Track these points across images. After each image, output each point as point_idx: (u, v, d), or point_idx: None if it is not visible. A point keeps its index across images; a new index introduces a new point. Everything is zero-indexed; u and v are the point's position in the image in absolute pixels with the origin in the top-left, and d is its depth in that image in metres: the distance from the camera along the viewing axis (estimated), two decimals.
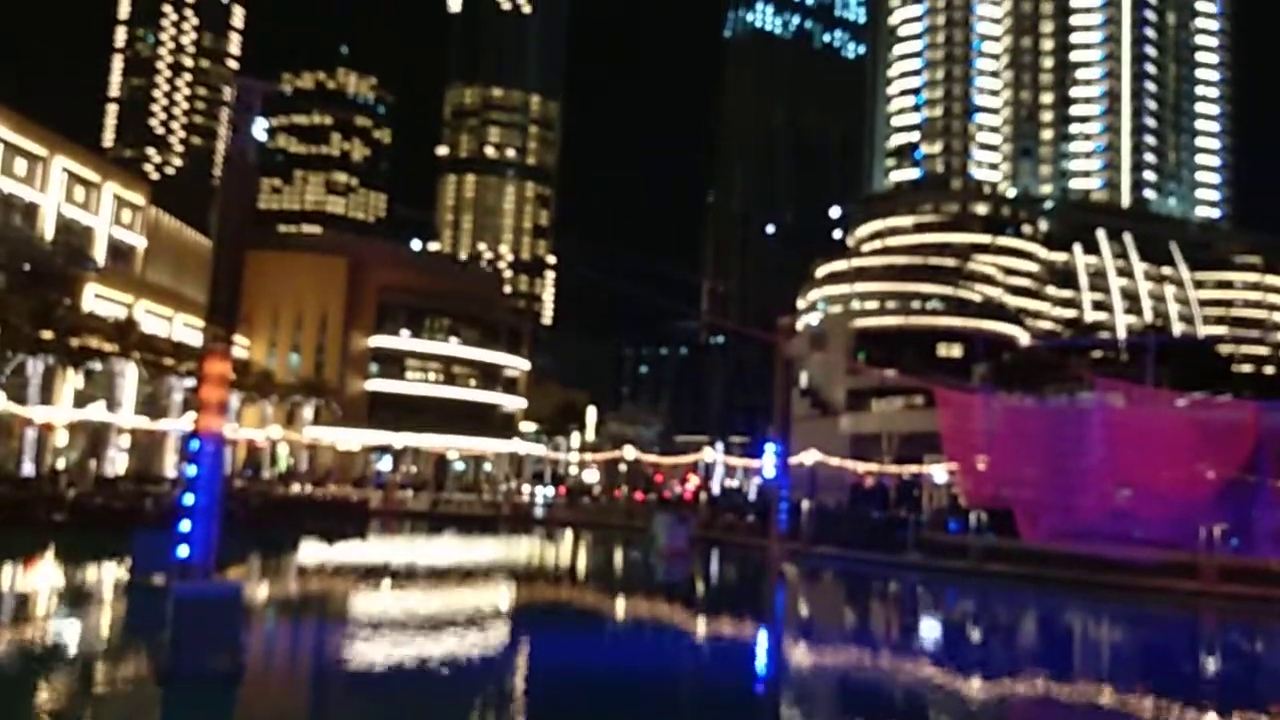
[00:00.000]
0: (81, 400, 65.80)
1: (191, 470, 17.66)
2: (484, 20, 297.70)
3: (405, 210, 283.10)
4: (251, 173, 28.09)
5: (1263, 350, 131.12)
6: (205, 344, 19.54)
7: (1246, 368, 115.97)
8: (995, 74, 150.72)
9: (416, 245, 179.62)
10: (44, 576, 34.67)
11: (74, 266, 70.49)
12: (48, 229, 70.35)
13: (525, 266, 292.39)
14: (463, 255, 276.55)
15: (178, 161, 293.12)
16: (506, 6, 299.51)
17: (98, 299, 70.70)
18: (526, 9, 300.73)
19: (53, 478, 55.99)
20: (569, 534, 67.81)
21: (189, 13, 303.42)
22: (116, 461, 68.31)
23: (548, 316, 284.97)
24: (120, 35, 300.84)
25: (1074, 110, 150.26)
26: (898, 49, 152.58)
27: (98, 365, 63.98)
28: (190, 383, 64.71)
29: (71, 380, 64.92)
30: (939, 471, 71.43)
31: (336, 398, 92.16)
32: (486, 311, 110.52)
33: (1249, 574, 38.56)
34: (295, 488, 75.28)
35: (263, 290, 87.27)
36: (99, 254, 75.32)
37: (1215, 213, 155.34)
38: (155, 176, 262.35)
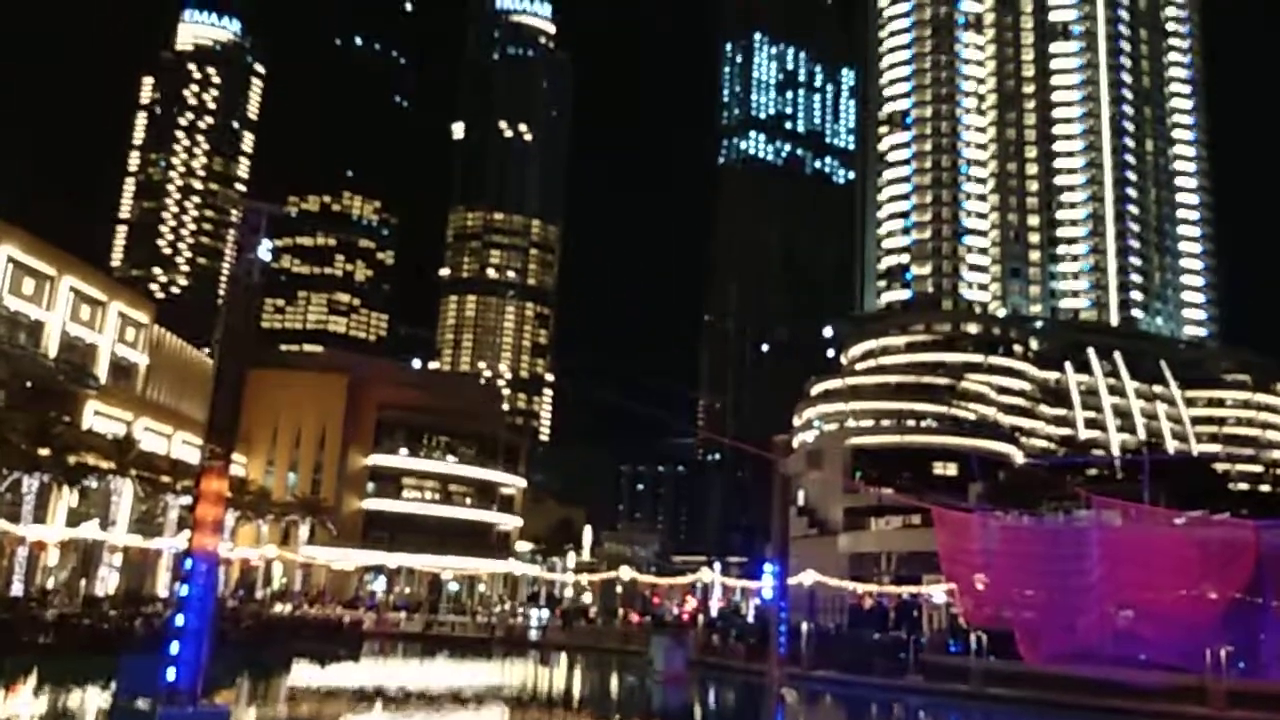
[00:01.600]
0: (75, 518, 65.45)
1: (184, 590, 17.81)
2: (487, 146, 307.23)
3: (406, 329, 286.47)
4: (255, 292, 28.99)
5: (1257, 468, 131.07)
6: (203, 461, 19.94)
7: (1243, 486, 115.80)
8: (983, 197, 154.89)
9: (417, 364, 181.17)
10: (24, 704, 33.92)
11: (76, 384, 71.09)
12: (52, 346, 71.19)
13: (524, 385, 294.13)
14: (463, 373, 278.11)
15: (183, 281, 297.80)
16: (509, 134, 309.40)
17: (97, 416, 71.09)
18: (528, 136, 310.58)
19: (41, 598, 55.25)
20: (564, 658, 66.57)
21: (201, 138, 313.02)
22: (108, 580, 67.50)
23: (546, 434, 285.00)
24: (134, 160, 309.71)
25: (1060, 232, 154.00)
26: (887, 174, 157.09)
27: (93, 483, 63.88)
28: (186, 500, 64.53)
29: (66, 498, 64.72)
30: (938, 592, 70.60)
31: (332, 516, 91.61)
32: (484, 428, 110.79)
33: (1259, 698, 37.93)
34: (288, 608, 74.17)
35: (262, 408, 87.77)
36: (101, 371, 76.01)
37: (1202, 331, 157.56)
38: (160, 296, 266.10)
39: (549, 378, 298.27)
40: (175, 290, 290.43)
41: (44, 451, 58.59)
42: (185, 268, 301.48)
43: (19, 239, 68.28)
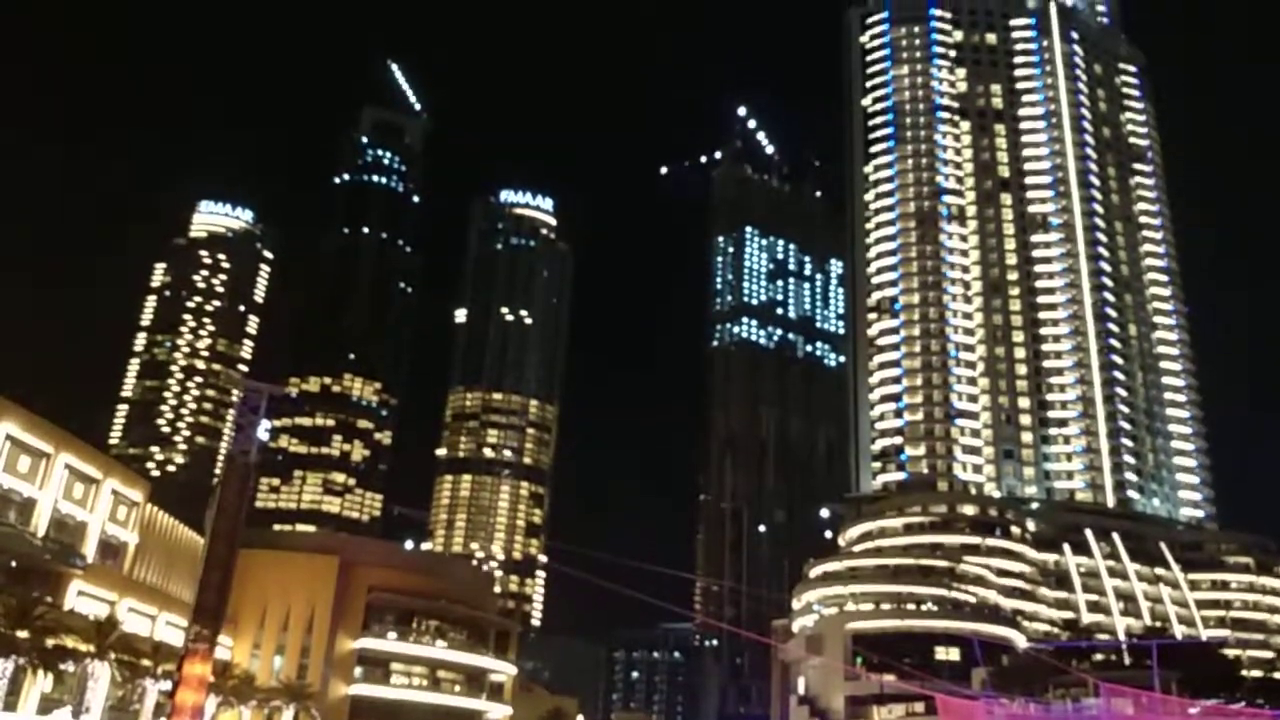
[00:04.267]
0: (47, 704, 63.41)
1: None
2: (488, 330, 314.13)
3: (400, 510, 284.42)
4: (250, 473, 29.49)
5: (1268, 654, 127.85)
6: (187, 643, 20.00)
7: (1255, 672, 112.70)
8: (973, 381, 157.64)
9: (410, 545, 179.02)
10: None
11: (62, 563, 70.34)
12: (42, 523, 70.89)
13: (517, 566, 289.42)
14: (455, 555, 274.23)
15: (180, 459, 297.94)
16: (509, 318, 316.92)
17: (81, 596, 69.97)
18: (528, 320, 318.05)
19: None
20: None
21: (207, 320, 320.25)
22: None
23: (538, 617, 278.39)
24: (140, 340, 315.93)
25: (1051, 414, 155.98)
26: (878, 358, 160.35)
27: (70, 666, 62.22)
28: (166, 685, 62.73)
29: (40, 682, 62.89)
30: None
31: (317, 703, 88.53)
32: (476, 612, 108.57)
33: None
34: None
35: (251, 588, 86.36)
36: (89, 550, 75.32)
37: (1200, 512, 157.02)
38: (156, 474, 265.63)
39: (542, 560, 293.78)
40: (171, 468, 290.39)
41: (23, 634, 57.40)
42: (183, 446, 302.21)
43: (18, 416, 69.16)
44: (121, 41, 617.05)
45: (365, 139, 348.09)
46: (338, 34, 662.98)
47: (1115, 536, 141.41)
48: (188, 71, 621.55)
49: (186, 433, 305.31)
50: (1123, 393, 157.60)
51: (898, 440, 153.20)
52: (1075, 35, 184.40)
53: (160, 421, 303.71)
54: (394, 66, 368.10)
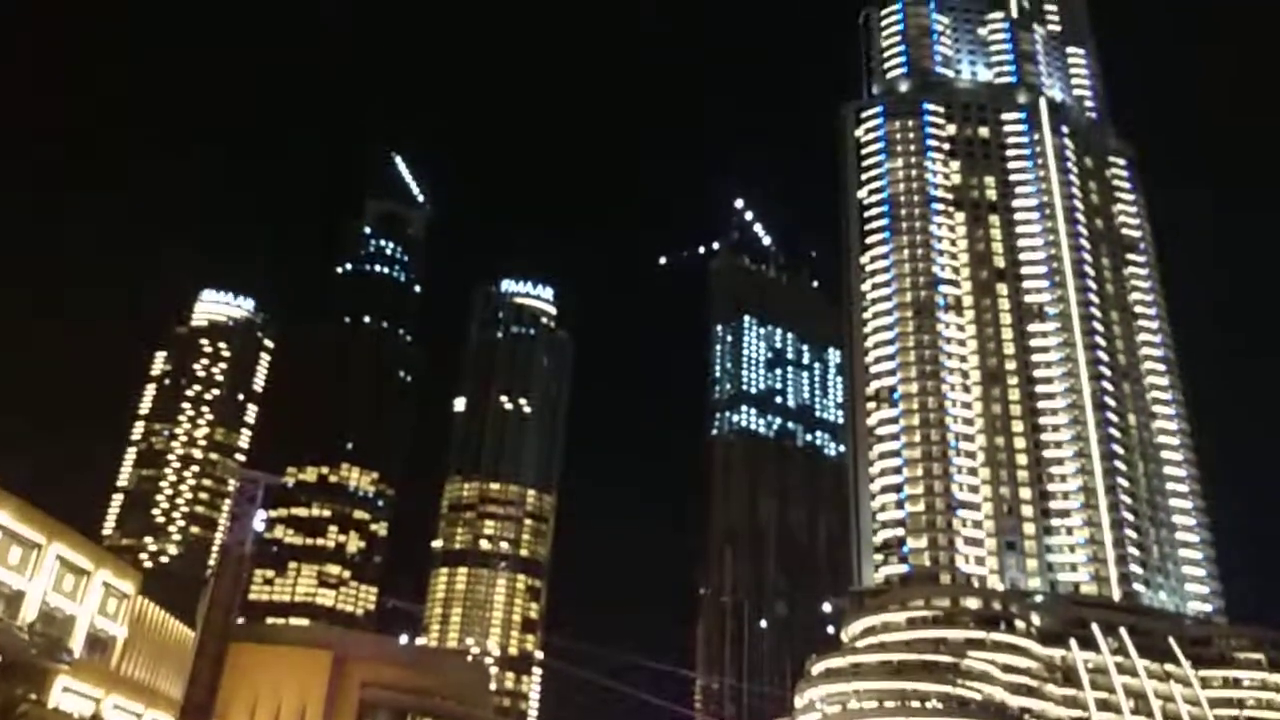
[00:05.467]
0: None
1: None
2: (486, 419, 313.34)
3: (395, 603, 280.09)
4: (245, 564, 29.07)
5: None
6: None
7: None
8: (974, 471, 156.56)
9: (404, 639, 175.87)
10: None
11: (48, 659, 68.94)
12: (30, 615, 69.66)
13: (513, 663, 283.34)
14: (450, 650, 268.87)
15: (173, 550, 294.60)
16: (508, 406, 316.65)
17: (66, 693, 68.44)
18: (527, 409, 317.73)
19: None
20: None
21: (205, 409, 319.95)
22: None
23: (534, 715, 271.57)
24: (138, 429, 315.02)
25: (1053, 504, 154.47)
26: (877, 448, 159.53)
27: None
28: None
29: None
30: None
31: None
32: (471, 710, 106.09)
33: None
34: None
35: (242, 683, 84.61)
36: (77, 644, 73.91)
37: (1208, 606, 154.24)
38: (149, 565, 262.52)
39: (539, 656, 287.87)
40: (165, 560, 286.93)
41: None
42: (177, 537, 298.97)
43: (11, 506, 68.63)
44: (125, 129, 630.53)
45: (369, 229, 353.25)
46: (342, 126, 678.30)
47: (1122, 631, 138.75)
48: (194, 165, 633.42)
49: (181, 523, 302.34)
50: (1124, 483, 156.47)
51: (899, 532, 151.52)
52: (1065, 129, 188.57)
53: (155, 511, 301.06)
54: (397, 158, 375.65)
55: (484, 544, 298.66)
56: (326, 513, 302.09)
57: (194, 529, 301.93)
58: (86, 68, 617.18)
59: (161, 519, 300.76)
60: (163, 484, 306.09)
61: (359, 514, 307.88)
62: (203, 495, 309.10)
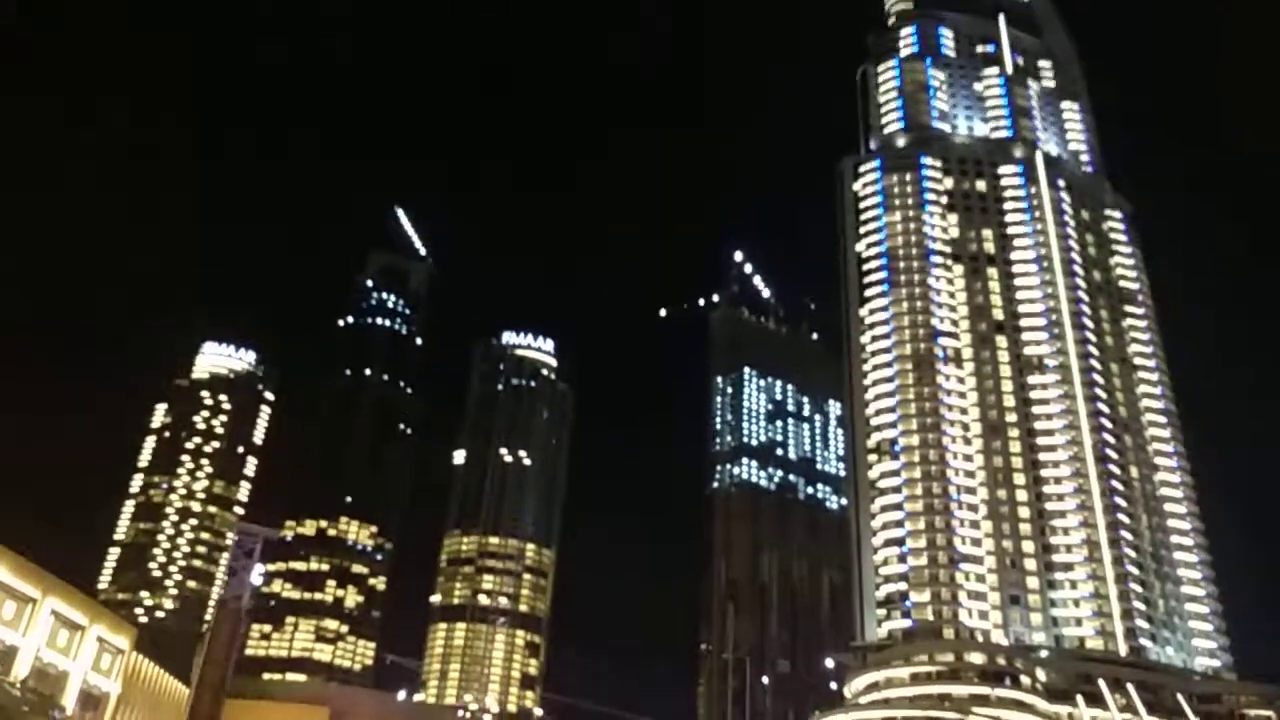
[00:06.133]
0: None
1: None
2: (486, 472, 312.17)
3: (393, 658, 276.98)
4: (241, 619, 28.85)
5: None
6: None
7: None
8: (976, 524, 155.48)
9: (402, 695, 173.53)
10: None
11: (39, 716, 68.01)
12: (22, 671, 68.87)
13: (512, 719, 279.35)
14: (448, 706, 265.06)
15: (169, 604, 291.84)
16: (508, 459, 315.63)
17: None
18: (527, 461, 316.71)
19: None
20: None
21: (205, 461, 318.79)
22: None
23: None
24: (137, 481, 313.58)
25: (1056, 558, 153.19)
26: (879, 501, 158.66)
27: None
28: None
29: None
30: None
31: None
32: None
33: None
34: None
35: None
36: (70, 700, 73.01)
37: (1216, 661, 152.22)
38: (144, 619, 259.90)
39: (538, 713, 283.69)
40: (160, 614, 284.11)
41: None
42: (173, 591, 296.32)
43: (6, 560, 68.20)
44: (131, 179, 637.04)
45: (371, 282, 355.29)
46: (344, 180, 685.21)
47: (1130, 687, 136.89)
48: (195, 230, 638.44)
49: (178, 577, 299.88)
50: (1128, 536, 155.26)
51: (902, 586, 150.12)
52: (1061, 183, 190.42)
53: (152, 565, 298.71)
54: (400, 212, 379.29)
55: (483, 599, 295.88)
56: (325, 566, 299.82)
57: (190, 583, 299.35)
58: (88, 122, 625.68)
59: (158, 573, 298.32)
60: (160, 537, 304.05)
61: (357, 568, 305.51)
62: (200, 549, 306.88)
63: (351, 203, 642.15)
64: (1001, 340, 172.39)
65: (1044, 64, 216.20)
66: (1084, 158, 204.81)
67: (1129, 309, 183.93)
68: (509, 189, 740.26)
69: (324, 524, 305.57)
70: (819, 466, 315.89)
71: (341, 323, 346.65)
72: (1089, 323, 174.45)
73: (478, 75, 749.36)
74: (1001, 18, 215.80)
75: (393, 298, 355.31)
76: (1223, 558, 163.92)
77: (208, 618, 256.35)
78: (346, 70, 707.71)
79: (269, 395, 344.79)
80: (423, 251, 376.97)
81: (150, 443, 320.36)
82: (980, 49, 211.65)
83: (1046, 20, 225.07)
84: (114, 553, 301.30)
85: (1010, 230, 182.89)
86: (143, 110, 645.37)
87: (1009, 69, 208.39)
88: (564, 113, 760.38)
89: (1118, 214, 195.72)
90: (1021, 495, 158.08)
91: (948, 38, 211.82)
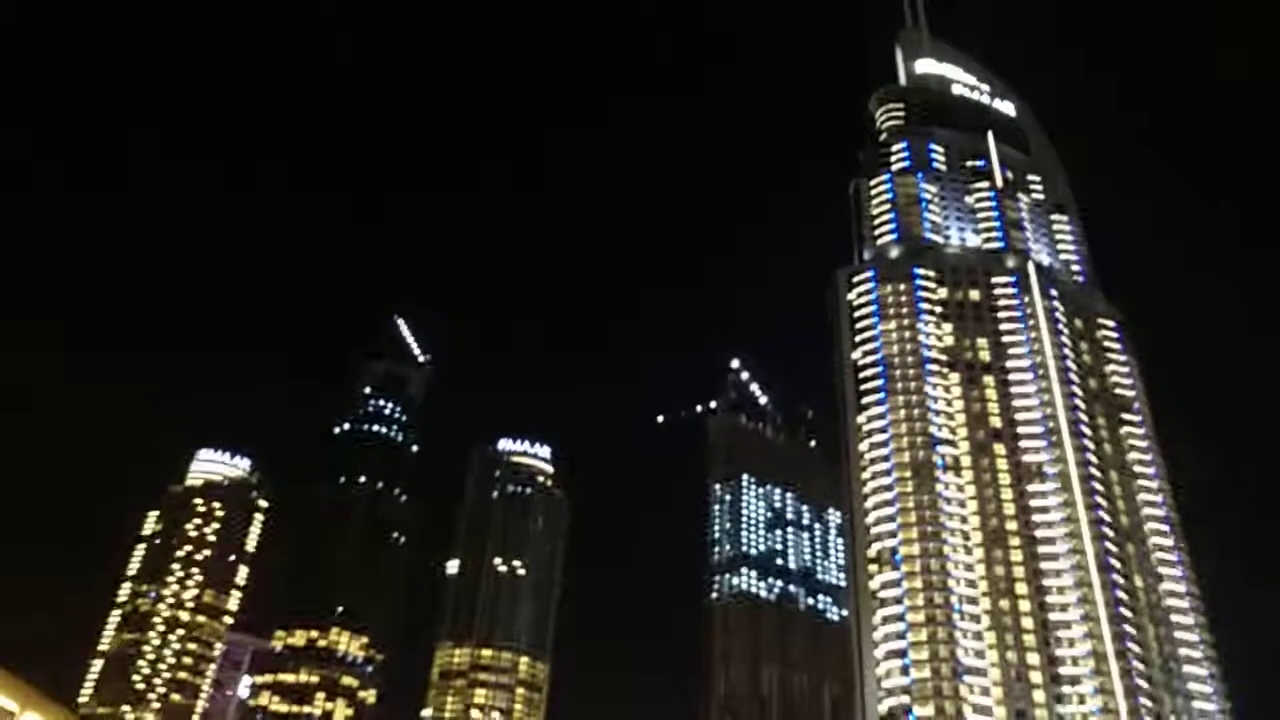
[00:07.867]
0: None
1: None
2: (480, 582, 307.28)
3: None
4: None
5: None
6: None
7: None
8: (979, 635, 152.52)
9: None
10: None
11: None
12: None
13: None
14: None
15: (152, 719, 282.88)
16: (503, 569, 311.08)
17: None
18: (521, 571, 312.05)
19: None
20: None
21: (195, 570, 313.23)
22: None
23: None
24: (125, 591, 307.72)
25: (1063, 670, 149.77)
26: (880, 612, 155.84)
27: None
28: None
29: None
30: None
31: None
32: None
33: None
34: None
35: None
36: None
37: None
38: None
39: None
40: None
41: None
42: (157, 705, 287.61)
43: None
44: (126, 284, 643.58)
45: (368, 389, 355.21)
46: (342, 288, 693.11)
47: None
48: (192, 341, 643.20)
49: (162, 690, 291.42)
50: (1135, 648, 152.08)
51: (905, 700, 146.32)
52: (1054, 292, 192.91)
53: (136, 677, 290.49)
54: (399, 320, 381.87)
55: (475, 714, 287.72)
56: (314, 679, 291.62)
57: (175, 696, 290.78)
58: (83, 224, 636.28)
59: (142, 685, 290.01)
60: (145, 648, 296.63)
61: (347, 680, 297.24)
62: (186, 659, 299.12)
63: (350, 310, 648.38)
64: (1000, 448, 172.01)
65: (1033, 177, 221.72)
66: (1075, 268, 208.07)
67: (1126, 416, 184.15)
68: (505, 296, 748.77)
69: (314, 634, 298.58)
70: (820, 576, 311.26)
71: (337, 430, 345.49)
72: (1087, 430, 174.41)
73: (472, 183, 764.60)
74: (990, 134, 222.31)
75: (390, 405, 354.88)
76: (1234, 668, 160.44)
77: None
78: (348, 173, 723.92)
79: (262, 503, 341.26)
80: (421, 359, 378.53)
81: (140, 551, 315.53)
82: (970, 163, 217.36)
83: (1033, 135, 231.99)
84: (97, 664, 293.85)
85: (1005, 339, 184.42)
86: (138, 209, 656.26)
87: (999, 182, 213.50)
88: (561, 222, 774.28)
89: (1110, 322, 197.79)
90: (1025, 605, 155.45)
91: (939, 153, 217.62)
